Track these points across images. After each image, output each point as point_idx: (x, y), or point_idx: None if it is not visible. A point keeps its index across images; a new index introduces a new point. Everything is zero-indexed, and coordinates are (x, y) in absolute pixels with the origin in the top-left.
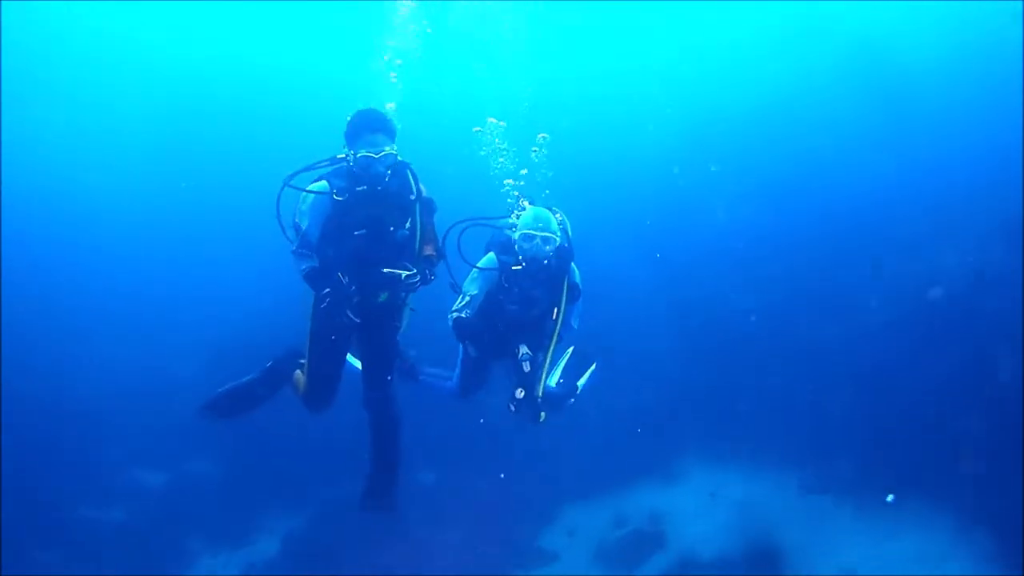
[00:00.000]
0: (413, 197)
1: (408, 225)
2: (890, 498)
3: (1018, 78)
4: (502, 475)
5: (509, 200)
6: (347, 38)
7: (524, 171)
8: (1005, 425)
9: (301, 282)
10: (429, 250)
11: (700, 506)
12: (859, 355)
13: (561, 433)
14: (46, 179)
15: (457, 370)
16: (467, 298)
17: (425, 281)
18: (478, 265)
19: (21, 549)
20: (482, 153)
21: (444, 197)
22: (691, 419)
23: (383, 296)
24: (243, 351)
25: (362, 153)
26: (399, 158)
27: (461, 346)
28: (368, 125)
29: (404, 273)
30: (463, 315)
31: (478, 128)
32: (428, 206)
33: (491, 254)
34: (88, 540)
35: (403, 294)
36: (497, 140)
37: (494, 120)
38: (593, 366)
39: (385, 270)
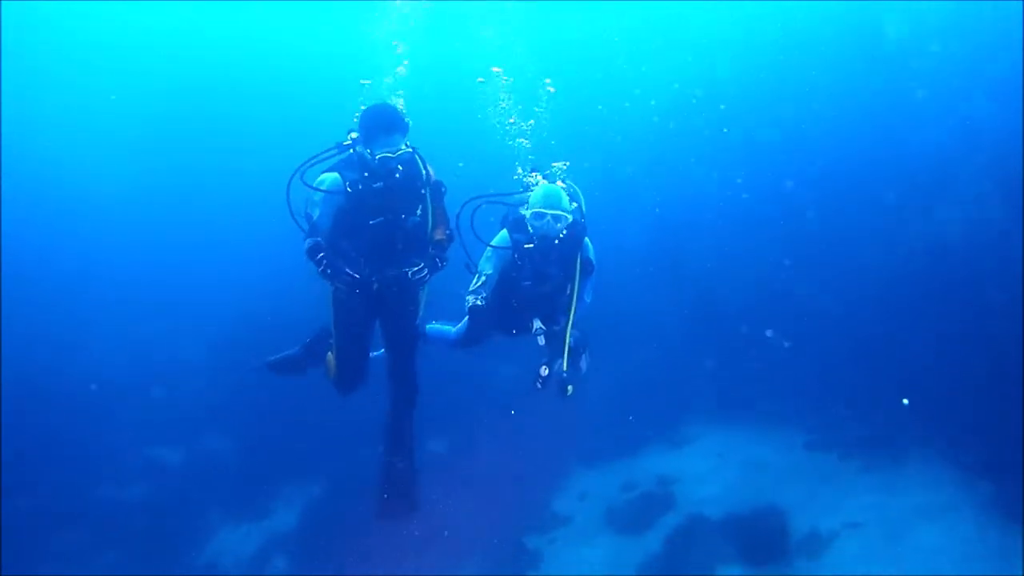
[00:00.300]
0: (423, 183)
1: (419, 211)
2: (905, 401)
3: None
4: (512, 411)
5: (518, 175)
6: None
7: (531, 122)
8: (1005, 378)
9: (315, 271)
10: (440, 234)
11: (708, 468)
12: (862, 314)
13: (570, 400)
14: (55, 169)
15: (463, 326)
16: (482, 278)
17: (435, 270)
18: (491, 243)
19: (46, 531)
20: (488, 111)
21: (451, 166)
22: (697, 383)
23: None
24: (250, 331)
25: (381, 155)
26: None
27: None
28: (385, 126)
29: (411, 271)
30: (479, 302)
31: (481, 79)
32: (437, 189)
33: (504, 232)
34: (110, 518)
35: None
36: (502, 94)
37: (497, 69)
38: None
39: (394, 268)
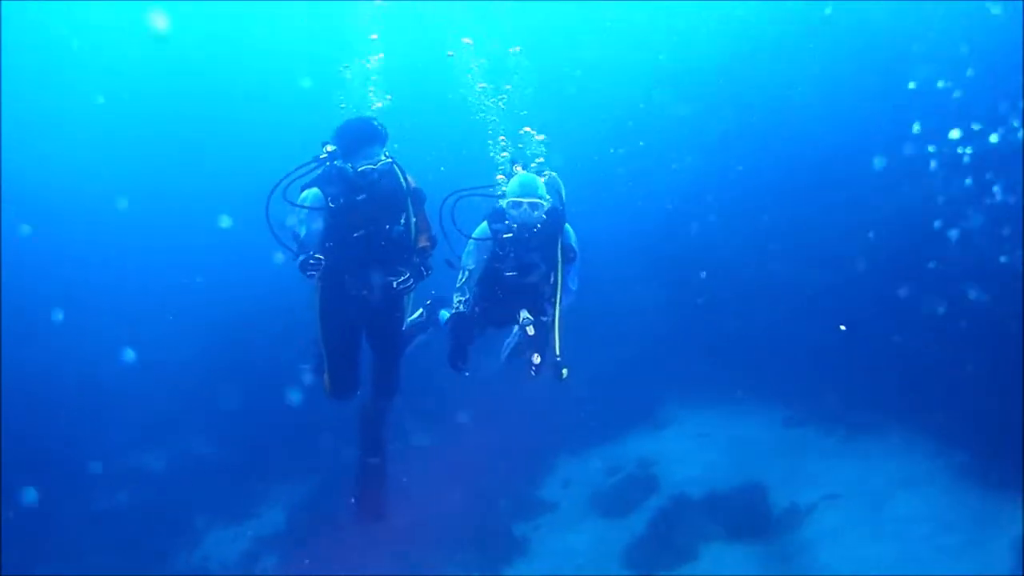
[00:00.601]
0: (404, 193)
1: (403, 221)
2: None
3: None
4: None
5: (500, 169)
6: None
7: (508, 86)
8: (977, 350)
9: (305, 284)
10: (424, 241)
11: (689, 449)
12: (835, 291)
13: (551, 388)
14: (40, 173)
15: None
16: (466, 273)
17: (420, 278)
18: (472, 236)
19: (34, 538)
20: (462, 86)
21: (434, 164)
22: (676, 366)
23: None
24: (234, 338)
25: (363, 167)
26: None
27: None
28: (364, 138)
29: (395, 281)
30: (463, 308)
31: (451, 52)
32: (418, 197)
33: (484, 224)
34: (96, 525)
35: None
36: (472, 64)
37: (467, 40)
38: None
39: (379, 278)
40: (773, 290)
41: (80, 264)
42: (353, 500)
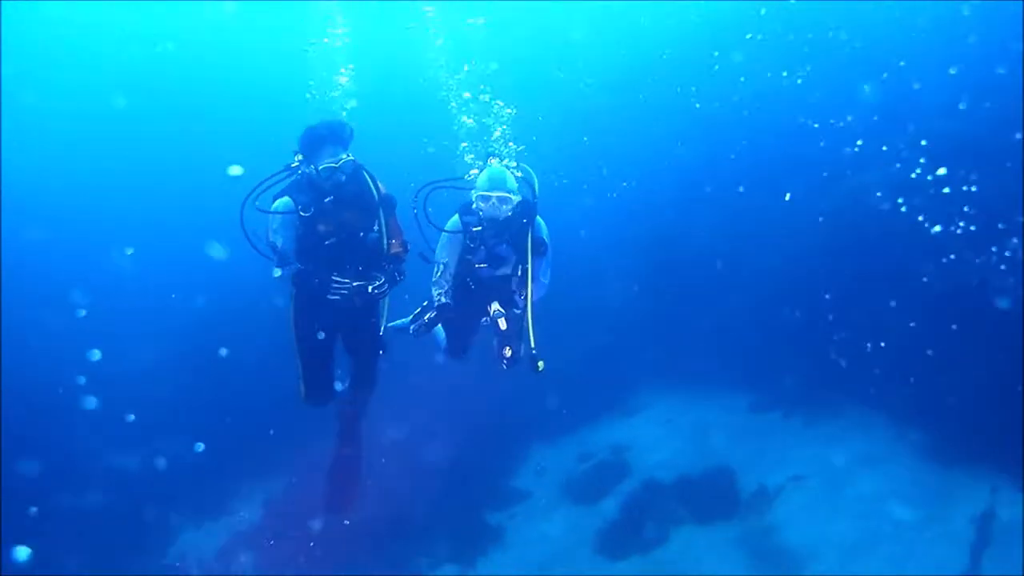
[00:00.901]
0: (375, 199)
1: (376, 227)
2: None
3: None
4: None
5: (468, 159)
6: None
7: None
8: (934, 332)
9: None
10: (396, 247)
11: (659, 435)
12: (795, 277)
13: (523, 379)
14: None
15: (442, 333)
16: (441, 267)
17: (394, 283)
18: (444, 229)
19: (6, 540)
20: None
21: (417, 151)
22: (644, 355)
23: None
24: (203, 338)
25: (324, 165)
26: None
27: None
28: (324, 138)
29: (371, 286)
30: (444, 299)
31: (413, 23)
32: (389, 203)
33: (455, 216)
34: (70, 526)
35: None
36: (434, 31)
37: (429, 8)
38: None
39: (354, 283)
40: (737, 279)
41: (50, 263)
42: (327, 493)
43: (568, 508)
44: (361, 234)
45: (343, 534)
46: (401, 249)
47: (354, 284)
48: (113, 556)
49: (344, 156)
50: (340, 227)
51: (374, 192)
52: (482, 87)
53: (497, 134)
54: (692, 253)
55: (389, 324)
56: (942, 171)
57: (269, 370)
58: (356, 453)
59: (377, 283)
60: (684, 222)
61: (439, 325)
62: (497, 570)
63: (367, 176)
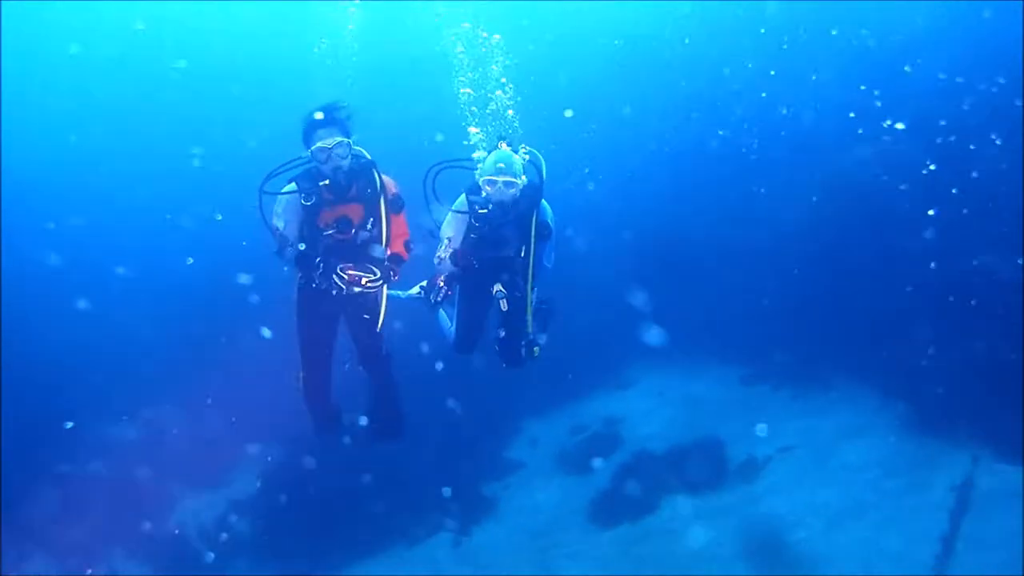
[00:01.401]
0: (380, 196)
1: (370, 225)
2: None
3: None
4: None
5: (475, 141)
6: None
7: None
8: (918, 305)
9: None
10: (399, 246)
11: (651, 407)
12: (783, 252)
13: (536, 361)
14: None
15: (454, 323)
16: (446, 242)
17: (387, 280)
18: (452, 208)
19: (7, 510)
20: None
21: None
22: (638, 329)
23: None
24: (193, 305)
25: (316, 145)
26: (369, 157)
27: (455, 297)
28: (319, 122)
29: (365, 279)
30: (447, 255)
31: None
32: (395, 204)
33: (463, 196)
34: (70, 495)
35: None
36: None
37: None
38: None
39: (347, 274)
40: (729, 255)
41: (43, 235)
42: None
43: (561, 478)
44: (357, 229)
45: (339, 502)
46: (403, 250)
47: (346, 275)
48: (114, 524)
49: (339, 138)
50: (337, 220)
51: (379, 189)
52: (503, 81)
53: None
54: (685, 230)
55: (401, 294)
56: (933, 167)
57: (266, 343)
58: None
59: (371, 277)
60: (677, 200)
61: (446, 314)
62: (492, 538)
63: (376, 174)
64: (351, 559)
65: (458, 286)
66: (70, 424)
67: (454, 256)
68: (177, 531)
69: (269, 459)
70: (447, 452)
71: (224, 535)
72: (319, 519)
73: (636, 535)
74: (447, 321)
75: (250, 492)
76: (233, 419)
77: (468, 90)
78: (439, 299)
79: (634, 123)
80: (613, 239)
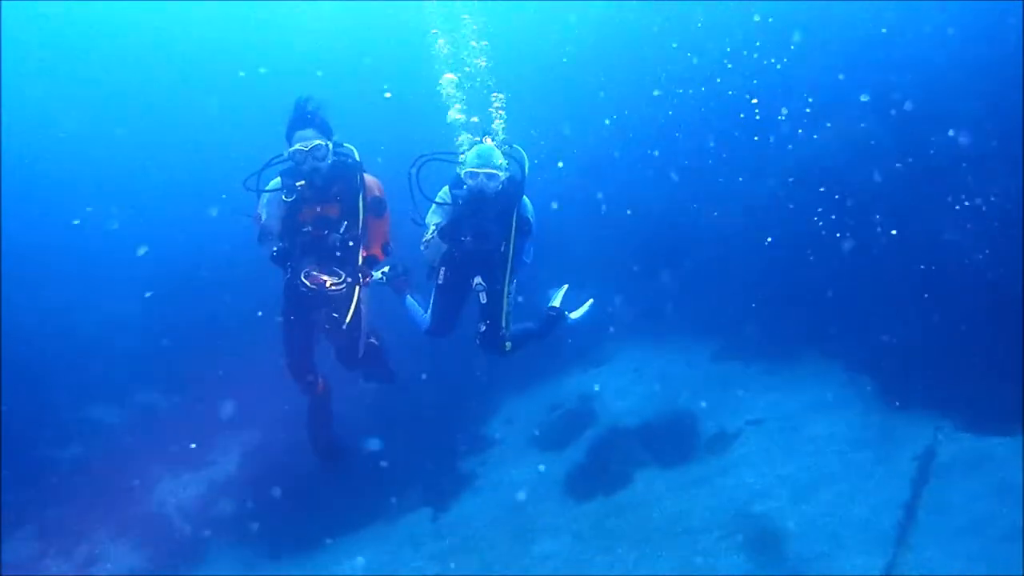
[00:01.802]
0: (359, 198)
1: (343, 228)
2: None
3: None
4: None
5: (460, 138)
6: None
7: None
8: (885, 281)
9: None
10: (376, 249)
11: (625, 384)
12: (753, 230)
13: (508, 355)
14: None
15: (429, 309)
16: (432, 228)
17: (356, 282)
18: (436, 200)
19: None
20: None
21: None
22: (612, 308)
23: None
24: (178, 288)
25: (293, 148)
26: (357, 157)
27: (433, 286)
28: (296, 122)
29: (329, 281)
30: (434, 235)
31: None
32: (376, 207)
33: (446, 188)
34: (51, 477)
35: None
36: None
37: None
38: (590, 300)
39: (309, 275)
40: (701, 234)
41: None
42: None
43: (537, 454)
44: (329, 230)
45: (316, 481)
46: (380, 253)
47: (311, 275)
48: (95, 505)
49: (317, 141)
50: (314, 218)
51: (359, 191)
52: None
53: (497, 124)
54: (657, 210)
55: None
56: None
57: (247, 323)
58: (329, 404)
59: (336, 280)
60: (647, 181)
61: (415, 301)
62: (469, 512)
63: (359, 176)
64: (332, 534)
65: (437, 277)
66: None
67: (442, 232)
68: (160, 512)
69: (249, 440)
70: (424, 430)
71: (207, 515)
72: (300, 498)
73: (610, 508)
74: (417, 308)
75: (229, 473)
76: (218, 402)
77: (451, 75)
78: (394, 281)
79: (605, 106)
80: (587, 219)
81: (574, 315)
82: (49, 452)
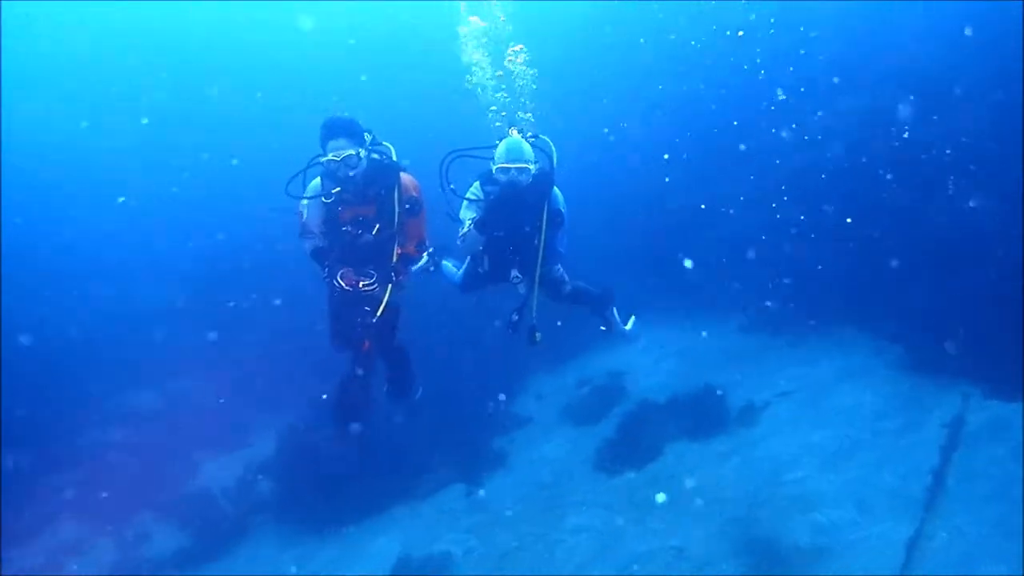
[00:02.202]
0: (395, 200)
1: (376, 230)
2: None
3: None
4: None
5: (497, 123)
6: None
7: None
8: (911, 254)
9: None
10: (411, 248)
11: (653, 359)
12: (775, 203)
13: (538, 346)
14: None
15: (462, 270)
16: (468, 222)
17: (388, 282)
18: (465, 196)
19: (35, 476)
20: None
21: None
22: (639, 285)
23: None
24: (213, 279)
25: (326, 158)
26: (395, 157)
27: (471, 263)
28: (328, 132)
29: (361, 283)
30: (470, 228)
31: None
32: (412, 207)
33: (476, 184)
34: (97, 461)
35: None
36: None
37: None
38: (632, 318)
39: (344, 276)
40: (716, 209)
41: (69, 210)
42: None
43: (567, 430)
44: (363, 231)
45: (350, 461)
46: (415, 252)
47: (346, 276)
48: (141, 487)
49: (349, 151)
50: (352, 219)
51: (395, 193)
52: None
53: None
54: (677, 190)
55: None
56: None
57: (281, 310)
58: (365, 384)
59: (368, 280)
60: (667, 156)
61: (462, 264)
62: (501, 488)
63: (397, 177)
64: (369, 512)
65: (480, 264)
66: None
67: (479, 225)
68: (203, 492)
69: (283, 423)
70: (457, 412)
71: (247, 495)
72: (336, 477)
73: (642, 481)
74: (452, 268)
75: (267, 455)
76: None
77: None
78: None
79: (615, 83)
80: (608, 198)
81: (626, 326)
82: (94, 436)
